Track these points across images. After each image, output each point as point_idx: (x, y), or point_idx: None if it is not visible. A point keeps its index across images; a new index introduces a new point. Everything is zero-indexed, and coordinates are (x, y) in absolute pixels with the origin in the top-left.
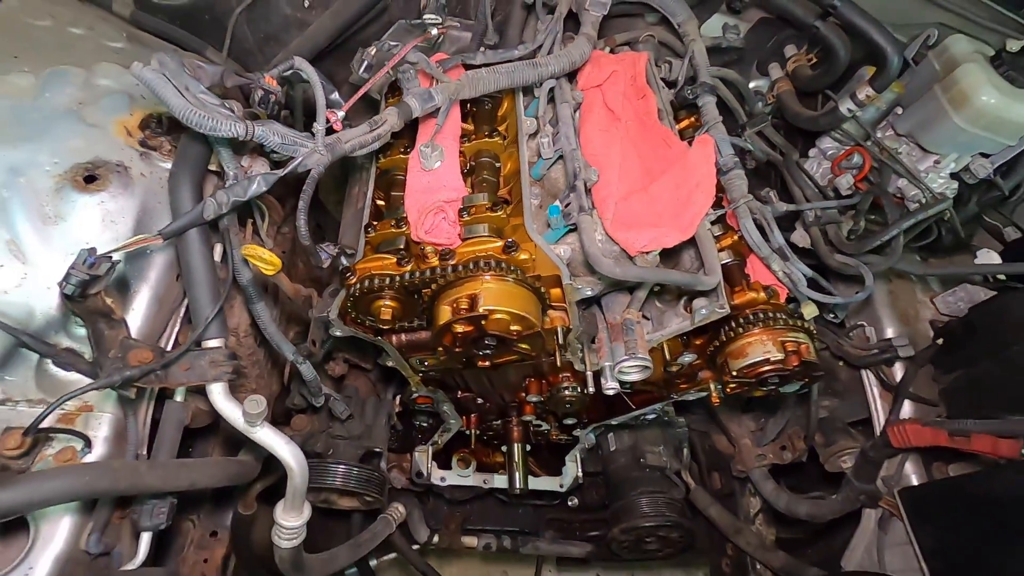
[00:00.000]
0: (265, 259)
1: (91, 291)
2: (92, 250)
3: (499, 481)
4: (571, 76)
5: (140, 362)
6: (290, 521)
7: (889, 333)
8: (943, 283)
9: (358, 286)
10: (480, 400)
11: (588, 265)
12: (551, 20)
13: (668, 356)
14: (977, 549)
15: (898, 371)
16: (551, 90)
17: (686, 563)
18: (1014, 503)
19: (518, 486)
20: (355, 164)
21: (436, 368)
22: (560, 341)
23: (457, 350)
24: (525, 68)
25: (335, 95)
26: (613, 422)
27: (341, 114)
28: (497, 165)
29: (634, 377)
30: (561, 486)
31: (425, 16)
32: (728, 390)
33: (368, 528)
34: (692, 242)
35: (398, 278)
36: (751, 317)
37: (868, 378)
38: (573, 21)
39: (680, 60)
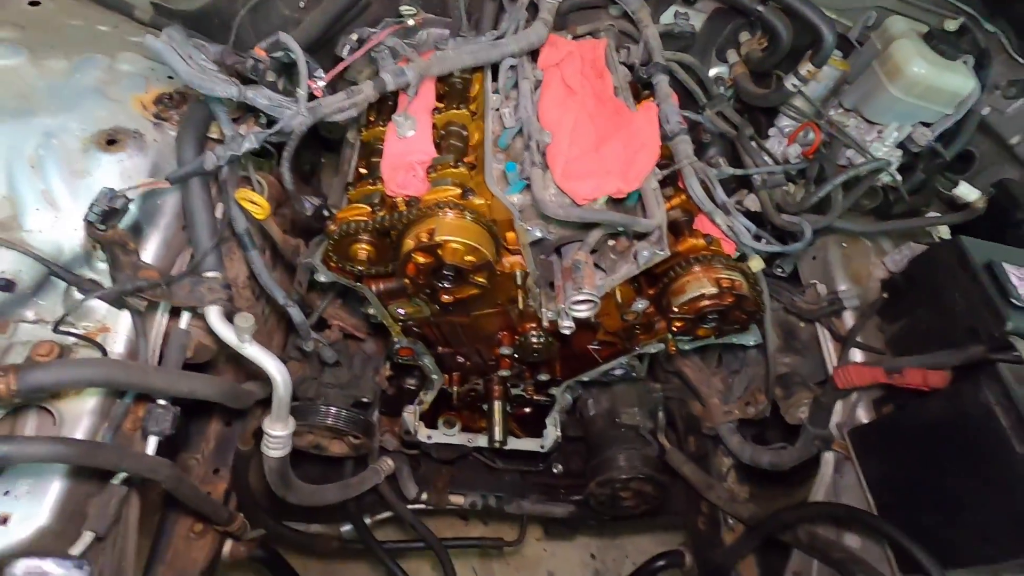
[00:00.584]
0: (256, 202)
1: (110, 223)
2: (111, 189)
3: (483, 441)
4: (534, 58)
5: (148, 277)
6: (276, 430)
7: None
8: (895, 246)
9: (337, 231)
10: (461, 359)
11: (540, 212)
12: (515, 8)
13: (620, 300)
14: (913, 474)
15: (848, 324)
16: (513, 68)
17: (665, 528)
18: (941, 428)
19: (497, 439)
20: (346, 144)
21: (413, 317)
22: (519, 282)
23: (420, 282)
24: (487, 48)
25: (319, 71)
26: (584, 378)
27: (322, 83)
28: (465, 134)
29: (584, 313)
30: (542, 447)
31: (401, 8)
32: (675, 328)
33: (358, 475)
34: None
35: (371, 222)
36: (692, 260)
37: (822, 333)
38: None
39: (638, 45)
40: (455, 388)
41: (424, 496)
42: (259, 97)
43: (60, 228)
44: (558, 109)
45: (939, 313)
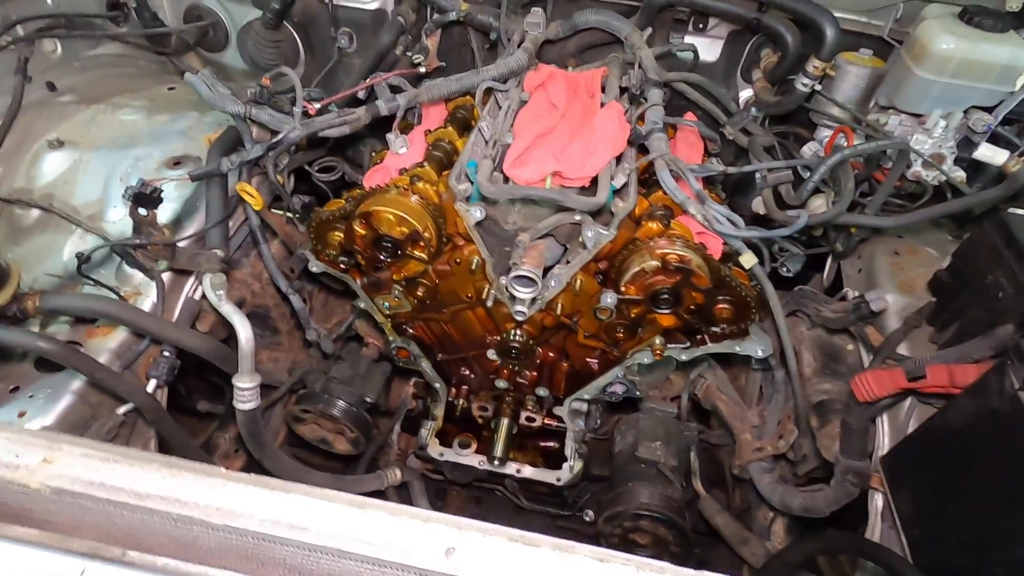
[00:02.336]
0: (251, 194)
1: (149, 209)
2: (142, 180)
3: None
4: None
5: (156, 240)
6: (243, 383)
7: (888, 300)
8: None
9: (314, 219)
10: (464, 370)
11: (480, 195)
12: (510, 45)
13: (579, 290)
14: (941, 500)
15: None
16: (491, 91)
17: None
18: (967, 436)
19: (497, 455)
20: None
21: (397, 312)
22: (472, 268)
23: (367, 255)
24: (470, 75)
25: (320, 97)
26: (586, 396)
27: (317, 105)
28: (449, 148)
29: (525, 293)
30: (558, 480)
31: (412, 57)
32: (633, 314)
33: (359, 475)
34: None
35: (339, 209)
36: (643, 241)
37: (862, 351)
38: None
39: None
40: (461, 401)
41: None
42: (262, 114)
43: (128, 221)
44: (533, 120)
45: (987, 307)
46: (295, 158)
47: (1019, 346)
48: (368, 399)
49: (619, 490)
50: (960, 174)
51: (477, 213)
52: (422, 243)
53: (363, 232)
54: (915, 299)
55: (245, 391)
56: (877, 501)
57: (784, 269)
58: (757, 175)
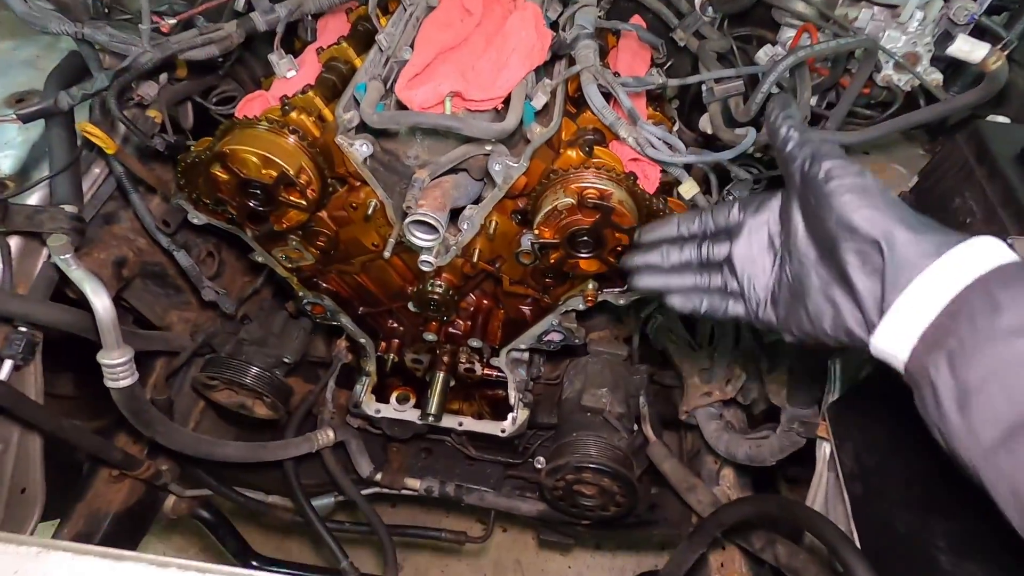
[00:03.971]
0: (96, 135)
1: None
2: None
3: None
4: None
5: None
6: (110, 359)
7: None
8: None
9: (183, 162)
10: (393, 323)
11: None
12: None
13: (492, 232)
14: (886, 455)
15: None
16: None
17: (663, 545)
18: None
19: (431, 411)
20: None
21: (298, 264)
22: (368, 213)
23: (235, 203)
24: None
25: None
26: (521, 345)
27: (172, 21)
28: (345, 69)
29: (423, 239)
30: (503, 431)
31: None
32: (551, 260)
33: (281, 440)
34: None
35: (206, 150)
36: (560, 173)
37: None
38: None
39: None
40: (391, 356)
41: (379, 476)
42: (98, 34)
43: None
44: (440, 29)
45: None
46: (179, 88)
47: None
48: (286, 359)
49: (562, 441)
50: (936, 76)
51: (363, 148)
52: (298, 188)
53: (224, 177)
54: None
55: (114, 368)
56: (825, 450)
57: (730, 198)
58: (704, 87)
